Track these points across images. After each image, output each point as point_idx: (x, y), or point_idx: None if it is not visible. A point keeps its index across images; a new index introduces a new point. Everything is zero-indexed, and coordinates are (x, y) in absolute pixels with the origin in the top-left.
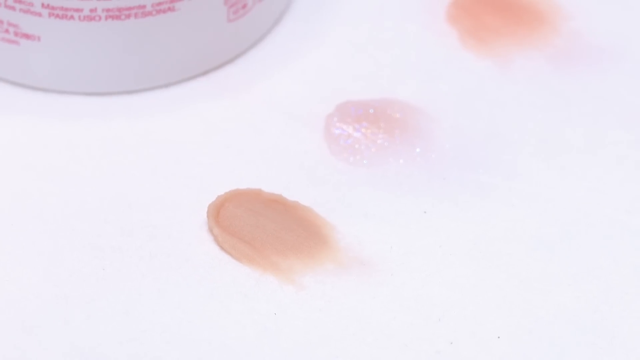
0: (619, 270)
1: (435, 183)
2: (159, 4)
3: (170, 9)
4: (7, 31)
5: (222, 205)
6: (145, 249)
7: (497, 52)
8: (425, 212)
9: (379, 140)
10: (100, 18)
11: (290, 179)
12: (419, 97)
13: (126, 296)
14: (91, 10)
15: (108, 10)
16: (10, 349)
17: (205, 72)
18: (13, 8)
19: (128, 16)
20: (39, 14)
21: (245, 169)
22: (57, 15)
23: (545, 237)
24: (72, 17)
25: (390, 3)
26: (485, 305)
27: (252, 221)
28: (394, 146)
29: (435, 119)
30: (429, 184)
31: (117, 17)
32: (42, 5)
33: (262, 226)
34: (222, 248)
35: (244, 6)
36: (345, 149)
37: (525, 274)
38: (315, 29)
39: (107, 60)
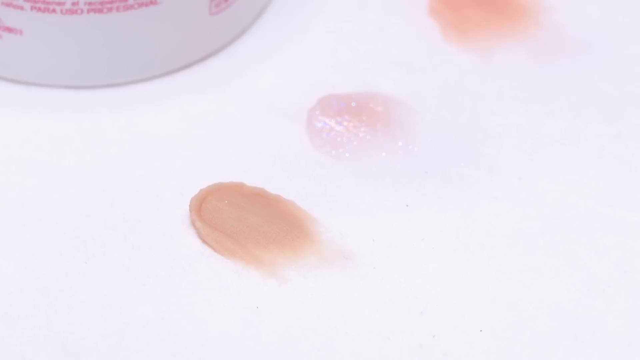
0: (601, 263)
1: (417, 176)
2: None
3: (152, 2)
4: None
5: (204, 198)
6: (128, 243)
7: (479, 45)
8: (407, 205)
9: (361, 134)
10: (82, 11)
11: (272, 172)
12: (401, 90)
13: (108, 289)
14: (73, 4)
15: (90, 3)
16: None
17: (187, 66)
18: None
19: (110, 9)
20: (21, 8)
21: (228, 162)
22: (39, 9)
23: (528, 230)
24: (54, 10)
25: None
26: (468, 298)
27: (235, 215)
28: (376, 139)
29: (418, 112)
30: (411, 177)
31: (99, 11)
32: None
33: (244, 220)
34: (204, 241)
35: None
36: (328, 142)
37: (507, 267)
38: (298, 22)
39: (89, 53)
